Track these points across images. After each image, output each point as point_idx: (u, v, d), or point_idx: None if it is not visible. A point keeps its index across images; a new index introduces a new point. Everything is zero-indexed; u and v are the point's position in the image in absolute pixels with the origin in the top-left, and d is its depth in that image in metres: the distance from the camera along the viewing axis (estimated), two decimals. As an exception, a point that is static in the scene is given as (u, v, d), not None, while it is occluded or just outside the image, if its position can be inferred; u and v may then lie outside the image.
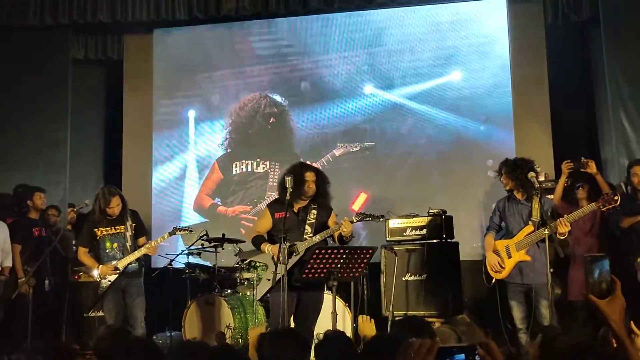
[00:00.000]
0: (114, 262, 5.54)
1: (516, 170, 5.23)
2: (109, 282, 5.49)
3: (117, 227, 5.63)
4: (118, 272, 5.51)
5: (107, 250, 5.60)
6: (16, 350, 2.63)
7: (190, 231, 5.98)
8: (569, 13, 7.18)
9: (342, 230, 4.80)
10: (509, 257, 5.17)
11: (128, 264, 5.54)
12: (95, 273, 5.55)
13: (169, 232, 5.78)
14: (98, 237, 5.61)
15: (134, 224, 5.70)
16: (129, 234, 5.64)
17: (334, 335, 3.02)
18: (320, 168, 7.32)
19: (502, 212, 5.36)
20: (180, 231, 5.81)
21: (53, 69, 7.88)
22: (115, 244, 5.61)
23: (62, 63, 7.94)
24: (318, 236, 4.83)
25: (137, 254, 5.58)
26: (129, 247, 5.60)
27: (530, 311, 5.12)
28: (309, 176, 4.90)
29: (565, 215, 4.97)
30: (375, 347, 2.45)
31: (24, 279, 6.09)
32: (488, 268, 5.29)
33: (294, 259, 4.80)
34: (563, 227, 4.89)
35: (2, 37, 7.71)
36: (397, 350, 1.79)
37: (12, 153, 7.69)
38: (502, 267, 5.18)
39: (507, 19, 7.39)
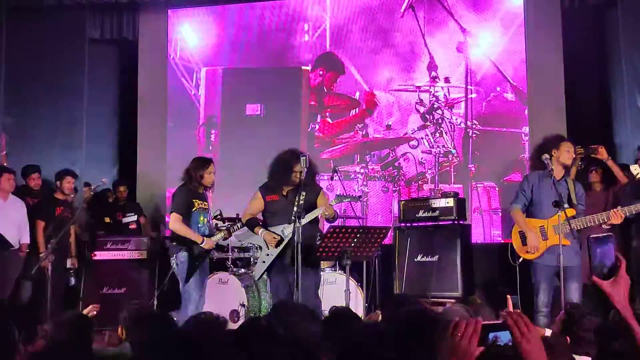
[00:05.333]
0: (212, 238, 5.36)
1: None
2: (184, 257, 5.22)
3: (205, 203, 5.42)
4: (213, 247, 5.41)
5: (199, 225, 5.33)
6: (47, 322, 2.70)
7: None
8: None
9: (322, 213, 4.90)
10: (544, 238, 4.79)
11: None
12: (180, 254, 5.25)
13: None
14: (194, 209, 5.31)
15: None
16: (211, 212, 5.53)
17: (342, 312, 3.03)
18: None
19: (536, 187, 4.88)
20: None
21: (70, 49, 7.96)
22: (206, 219, 5.42)
23: (78, 43, 8.01)
24: (304, 220, 4.83)
25: (224, 233, 5.44)
26: (212, 224, 5.53)
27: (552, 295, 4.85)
28: (297, 168, 4.94)
29: (620, 207, 4.70)
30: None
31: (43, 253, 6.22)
32: (518, 246, 4.92)
33: (284, 243, 4.93)
34: (617, 218, 4.58)
35: (20, 17, 7.75)
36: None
37: (30, 132, 7.79)
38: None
39: (523, 1, 7.35)
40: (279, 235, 4.95)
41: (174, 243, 5.28)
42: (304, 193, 4.94)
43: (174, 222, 5.22)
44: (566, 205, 4.72)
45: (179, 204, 5.27)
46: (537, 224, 4.85)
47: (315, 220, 5.03)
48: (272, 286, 5.20)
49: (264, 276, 6.18)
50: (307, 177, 4.96)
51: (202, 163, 5.40)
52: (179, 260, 5.21)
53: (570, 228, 4.54)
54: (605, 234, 1.97)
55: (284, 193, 5.04)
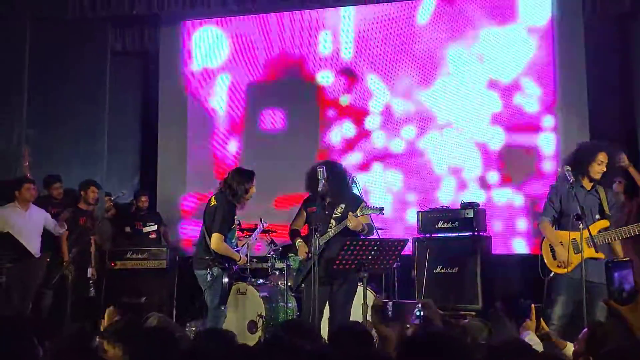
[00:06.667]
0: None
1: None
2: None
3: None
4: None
5: (233, 241, 5.17)
6: (55, 337, 2.70)
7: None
8: (609, 6, 7.06)
9: (348, 225, 4.78)
10: (577, 252, 4.51)
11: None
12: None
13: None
14: (233, 226, 5.10)
15: None
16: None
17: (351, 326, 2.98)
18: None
19: (566, 198, 4.60)
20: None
21: (92, 61, 8.07)
22: (236, 235, 5.33)
23: (101, 55, 8.12)
24: (333, 230, 4.84)
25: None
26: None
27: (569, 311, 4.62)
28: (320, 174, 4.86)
29: None
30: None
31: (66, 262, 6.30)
32: (549, 261, 4.70)
33: (315, 256, 4.87)
34: None
35: (43, 29, 7.86)
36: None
37: (52, 143, 7.87)
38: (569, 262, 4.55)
39: (550, 12, 7.26)
40: (307, 253, 4.91)
41: (207, 257, 5.02)
42: (342, 205, 4.90)
43: (219, 243, 4.96)
44: (597, 217, 4.57)
45: (225, 225, 4.99)
46: (569, 236, 4.56)
47: (351, 232, 4.88)
48: (305, 297, 5.06)
49: (282, 286, 6.23)
50: (333, 188, 4.87)
51: (247, 176, 5.10)
52: (214, 273, 5.01)
53: (593, 242, 4.35)
54: (623, 260, 1.92)
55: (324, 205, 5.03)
